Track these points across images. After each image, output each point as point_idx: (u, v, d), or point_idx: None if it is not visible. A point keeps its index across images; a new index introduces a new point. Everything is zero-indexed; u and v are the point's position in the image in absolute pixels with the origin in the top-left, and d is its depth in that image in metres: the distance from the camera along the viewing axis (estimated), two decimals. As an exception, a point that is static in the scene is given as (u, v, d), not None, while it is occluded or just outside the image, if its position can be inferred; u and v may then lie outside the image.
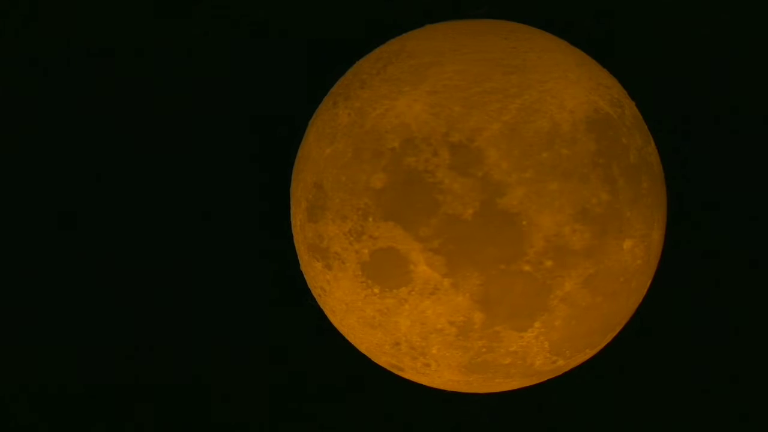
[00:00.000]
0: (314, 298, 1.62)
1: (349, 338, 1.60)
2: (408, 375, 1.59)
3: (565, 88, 1.45)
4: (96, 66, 1.95)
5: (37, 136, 1.98)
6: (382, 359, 1.57)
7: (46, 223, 2.00)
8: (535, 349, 1.48)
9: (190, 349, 2.02)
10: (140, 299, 2.01)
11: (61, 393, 2.05)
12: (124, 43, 1.95)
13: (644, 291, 1.58)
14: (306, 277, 1.60)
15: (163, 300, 2.01)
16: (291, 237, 1.61)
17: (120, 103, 1.97)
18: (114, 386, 2.04)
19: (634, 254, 1.48)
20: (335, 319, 1.59)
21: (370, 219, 1.42)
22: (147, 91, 1.96)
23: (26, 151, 1.99)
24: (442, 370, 1.52)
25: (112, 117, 1.97)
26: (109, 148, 1.98)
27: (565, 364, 1.55)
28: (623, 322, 1.59)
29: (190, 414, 2.05)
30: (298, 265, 1.62)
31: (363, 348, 1.59)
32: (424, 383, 1.61)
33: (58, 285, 2.01)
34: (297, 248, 1.60)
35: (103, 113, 1.97)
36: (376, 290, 1.45)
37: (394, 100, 1.44)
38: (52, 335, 2.03)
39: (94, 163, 1.98)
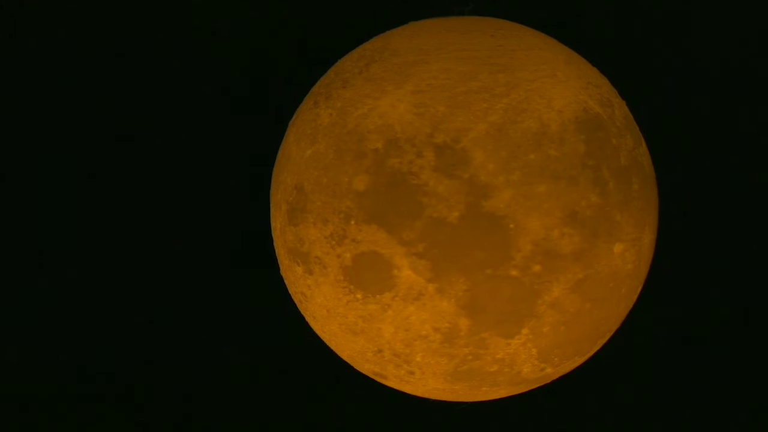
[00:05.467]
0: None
1: (330, 345, 1.58)
2: (392, 383, 1.56)
3: (554, 88, 1.42)
4: (87, 62, 1.95)
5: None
6: (365, 367, 1.55)
7: (31, 223, 1.99)
8: (523, 357, 1.45)
9: (165, 353, 2.02)
10: (115, 303, 2.00)
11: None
12: (114, 39, 1.95)
13: (635, 296, 1.56)
14: (286, 281, 1.58)
15: (136, 304, 2.00)
16: (271, 240, 1.60)
17: (100, 101, 1.96)
18: (92, 391, 2.03)
19: (624, 258, 1.45)
20: (316, 326, 1.57)
21: (353, 222, 1.40)
22: (119, 90, 1.96)
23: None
24: (426, 378, 1.49)
25: (94, 115, 1.96)
26: (87, 148, 1.97)
27: (553, 371, 1.53)
28: (613, 329, 1.57)
29: (165, 420, 2.04)
30: (278, 269, 1.59)
31: (345, 355, 1.57)
32: (408, 392, 1.59)
33: (46, 287, 2.00)
34: (277, 252, 1.58)
35: (86, 110, 1.96)
36: (359, 296, 1.43)
37: (377, 100, 1.42)
38: (36, 338, 2.02)
39: (76, 162, 1.97)
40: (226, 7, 1.93)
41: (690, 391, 1.97)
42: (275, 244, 1.58)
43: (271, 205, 1.57)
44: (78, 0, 1.93)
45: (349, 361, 1.59)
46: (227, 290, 1.98)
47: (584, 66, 1.52)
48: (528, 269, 1.38)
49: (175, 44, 1.93)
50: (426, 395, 1.58)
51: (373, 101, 1.42)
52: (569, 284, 1.40)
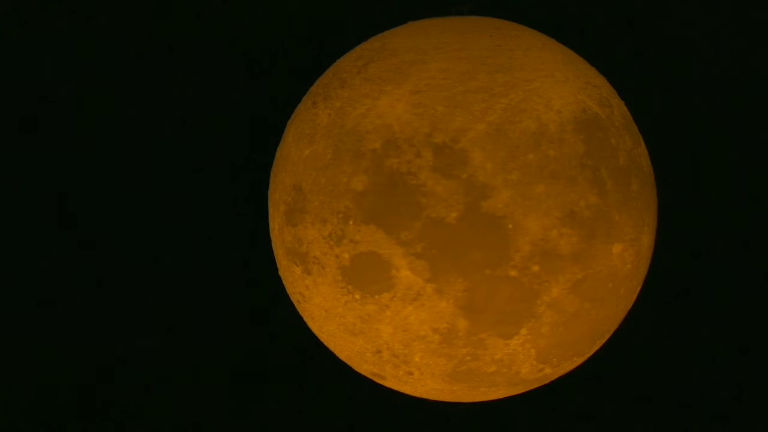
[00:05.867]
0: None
1: (329, 346, 1.57)
2: (390, 384, 1.55)
3: (552, 88, 1.42)
4: (85, 61, 1.94)
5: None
6: (364, 367, 1.54)
7: (28, 221, 1.98)
8: (522, 357, 1.45)
9: (162, 352, 2.01)
10: (111, 304, 2.00)
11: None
12: (113, 38, 1.94)
13: (634, 297, 1.55)
14: (284, 282, 1.57)
15: (133, 304, 2.00)
16: (269, 241, 1.59)
17: (98, 100, 1.95)
18: (89, 392, 2.03)
19: (623, 259, 1.45)
20: (314, 326, 1.56)
21: (351, 222, 1.39)
22: (116, 90, 1.95)
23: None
24: (425, 378, 1.48)
25: (92, 114, 1.96)
26: (86, 148, 1.96)
27: (552, 372, 1.52)
28: (612, 329, 1.56)
29: (162, 420, 2.03)
30: (277, 270, 1.58)
31: (344, 356, 1.56)
32: (406, 392, 1.58)
33: (45, 287, 2.00)
34: (275, 252, 1.57)
35: (85, 109, 1.96)
36: (357, 296, 1.42)
37: (376, 100, 1.41)
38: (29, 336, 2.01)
39: (74, 163, 1.97)
40: (223, 6, 1.92)
41: (689, 391, 1.96)
42: (273, 244, 1.57)
43: (269, 205, 1.56)
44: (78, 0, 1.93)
45: (347, 362, 1.58)
46: (225, 291, 1.97)
47: (583, 66, 1.52)
48: (527, 269, 1.37)
49: (172, 44, 1.93)
50: (425, 396, 1.57)
51: (372, 101, 1.41)
52: (568, 284, 1.39)
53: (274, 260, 1.59)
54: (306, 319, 1.57)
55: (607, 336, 1.57)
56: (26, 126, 1.95)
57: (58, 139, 1.95)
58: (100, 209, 1.96)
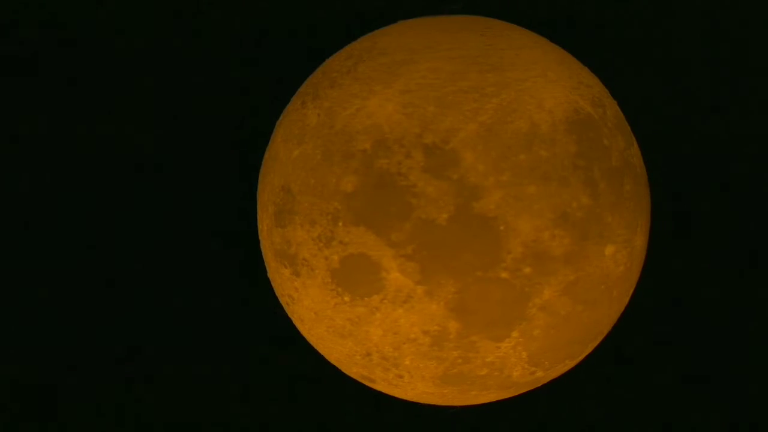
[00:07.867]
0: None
1: (318, 348, 1.57)
2: (380, 387, 1.55)
3: (544, 87, 1.41)
4: (80, 59, 1.94)
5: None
6: (353, 370, 1.54)
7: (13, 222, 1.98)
8: (513, 360, 1.44)
9: (150, 355, 2.01)
10: (107, 306, 1.99)
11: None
12: (111, 38, 1.94)
13: (626, 299, 1.55)
14: (273, 284, 1.56)
15: (126, 305, 1.99)
16: (257, 242, 1.58)
17: (94, 99, 1.95)
18: (88, 393, 2.02)
19: (616, 260, 1.44)
20: (304, 328, 1.55)
21: (340, 224, 1.38)
22: (112, 89, 1.94)
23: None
24: (415, 381, 1.48)
25: (87, 113, 1.95)
26: (80, 148, 1.96)
27: (544, 375, 1.52)
28: (605, 332, 1.56)
29: (157, 422, 2.03)
30: (265, 271, 1.57)
31: (333, 359, 1.56)
32: (396, 395, 1.57)
33: (42, 288, 1.99)
34: (264, 254, 1.56)
35: (81, 109, 1.95)
36: (347, 298, 1.41)
37: (366, 100, 1.40)
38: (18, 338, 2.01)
39: (71, 165, 1.96)
40: (217, 6, 1.92)
41: (685, 394, 1.96)
42: (262, 245, 1.56)
43: (258, 206, 1.56)
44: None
45: (336, 365, 1.57)
46: (212, 293, 1.97)
47: (575, 65, 1.51)
48: (518, 271, 1.36)
49: (167, 44, 1.92)
50: (415, 399, 1.57)
51: (361, 101, 1.41)
52: (560, 286, 1.39)
53: (263, 262, 1.58)
54: (295, 321, 1.57)
55: (599, 339, 1.56)
56: (23, 126, 1.95)
57: (56, 138, 1.95)
58: (94, 210, 1.95)
